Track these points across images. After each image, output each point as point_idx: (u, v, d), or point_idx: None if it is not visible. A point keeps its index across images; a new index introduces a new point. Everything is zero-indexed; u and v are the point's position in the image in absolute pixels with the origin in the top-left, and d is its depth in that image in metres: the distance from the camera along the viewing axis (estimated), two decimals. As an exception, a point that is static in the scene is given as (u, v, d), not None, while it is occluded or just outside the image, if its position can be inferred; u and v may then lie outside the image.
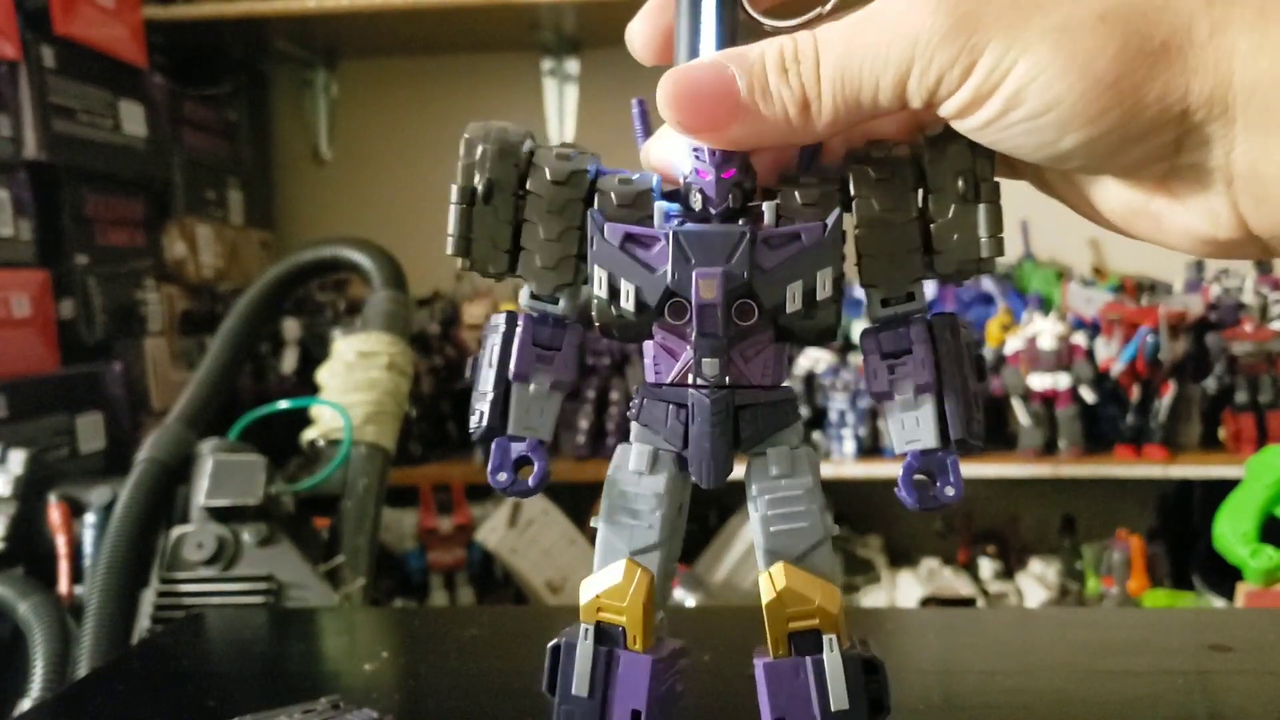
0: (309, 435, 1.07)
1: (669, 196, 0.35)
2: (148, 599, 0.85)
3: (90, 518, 0.99)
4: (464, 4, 1.73)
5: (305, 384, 1.67)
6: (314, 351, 1.72)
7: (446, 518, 1.73)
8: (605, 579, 0.34)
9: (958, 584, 1.79)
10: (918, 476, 0.33)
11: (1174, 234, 0.32)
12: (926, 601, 1.74)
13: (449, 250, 0.35)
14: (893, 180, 0.33)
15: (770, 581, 0.33)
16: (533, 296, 0.35)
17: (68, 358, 1.47)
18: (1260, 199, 0.29)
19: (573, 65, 2.02)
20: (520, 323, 0.35)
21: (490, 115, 0.35)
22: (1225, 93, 0.28)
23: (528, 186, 0.35)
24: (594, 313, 0.34)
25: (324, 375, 1.09)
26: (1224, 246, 0.32)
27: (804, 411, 1.73)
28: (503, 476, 0.34)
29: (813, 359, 1.73)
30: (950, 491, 0.33)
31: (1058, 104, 0.29)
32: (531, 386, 0.35)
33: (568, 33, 1.95)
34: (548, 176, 0.35)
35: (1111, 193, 0.33)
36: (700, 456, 0.34)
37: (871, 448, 1.73)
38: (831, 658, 0.33)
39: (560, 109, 2.03)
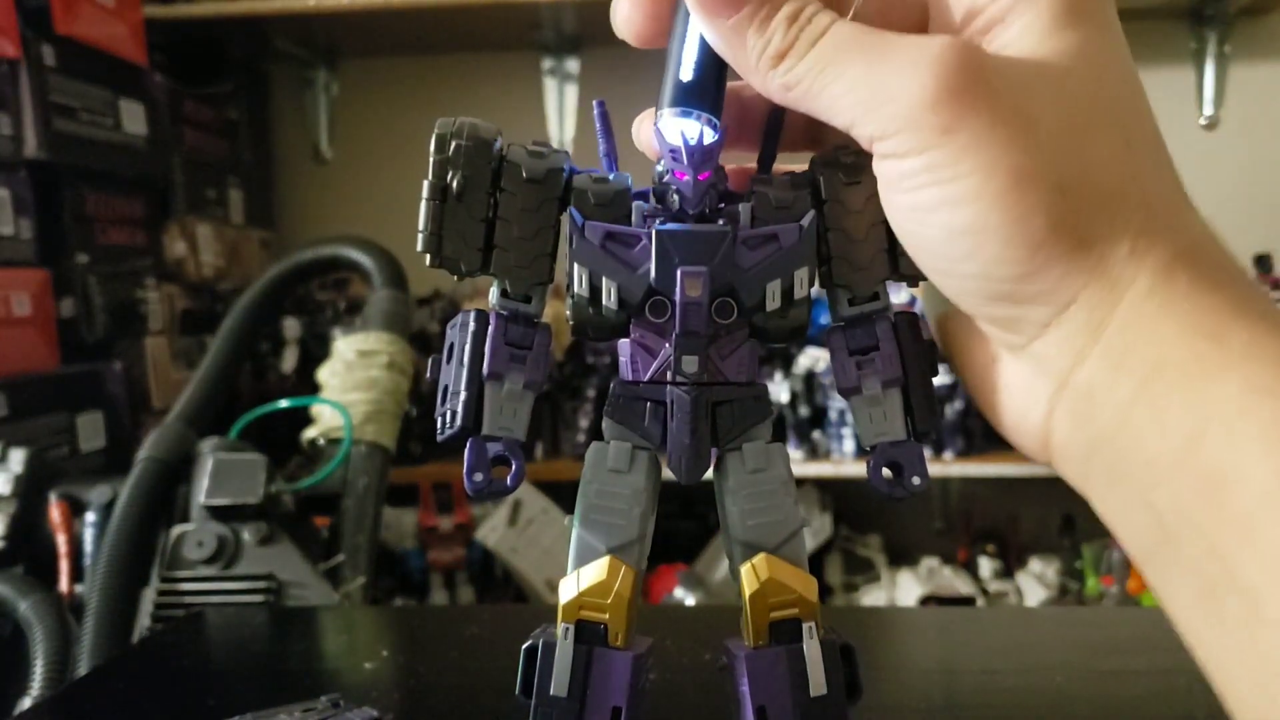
0: (309, 434, 1.07)
1: (640, 196, 0.35)
2: (148, 598, 0.86)
3: (90, 516, 0.99)
4: (464, 4, 1.73)
5: (305, 383, 1.67)
6: (314, 351, 1.73)
7: (446, 516, 1.73)
8: (587, 576, 0.34)
9: (957, 583, 1.79)
10: (885, 469, 0.35)
11: (997, 412, 0.33)
12: (926, 600, 1.74)
13: (419, 247, 0.34)
14: (861, 184, 0.34)
15: (753, 573, 0.34)
16: (503, 295, 0.35)
17: (68, 357, 1.47)
18: (1078, 420, 0.30)
19: (573, 65, 2.02)
20: (492, 321, 0.35)
21: (491, 115, 0.35)
22: (1106, 314, 0.29)
23: (502, 184, 0.35)
24: (570, 311, 0.34)
25: (324, 374, 1.10)
26: (1021, 442, 0.32)
27: (804, 411, 1.73)
28: (479, 477, 0.34)
29: (813, 358, 1.72)
30: (917, 480, 0.34)
31: (981, 232, 0.29)
32: (505, 386, 0.34)
33: (568, 32, 1.95)
34: (524, 174, 0.35)
35: (976, 345, 0.34)
36: (680, 452, 0.34)
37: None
38: (811, 645, 0.34)
39: (560, 109, 2.03)
